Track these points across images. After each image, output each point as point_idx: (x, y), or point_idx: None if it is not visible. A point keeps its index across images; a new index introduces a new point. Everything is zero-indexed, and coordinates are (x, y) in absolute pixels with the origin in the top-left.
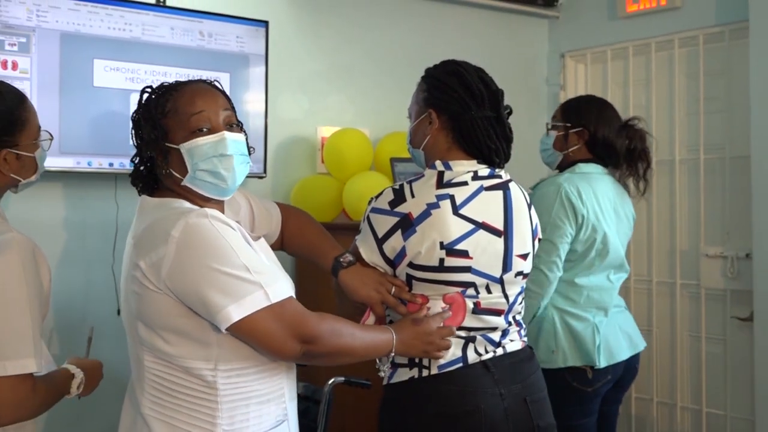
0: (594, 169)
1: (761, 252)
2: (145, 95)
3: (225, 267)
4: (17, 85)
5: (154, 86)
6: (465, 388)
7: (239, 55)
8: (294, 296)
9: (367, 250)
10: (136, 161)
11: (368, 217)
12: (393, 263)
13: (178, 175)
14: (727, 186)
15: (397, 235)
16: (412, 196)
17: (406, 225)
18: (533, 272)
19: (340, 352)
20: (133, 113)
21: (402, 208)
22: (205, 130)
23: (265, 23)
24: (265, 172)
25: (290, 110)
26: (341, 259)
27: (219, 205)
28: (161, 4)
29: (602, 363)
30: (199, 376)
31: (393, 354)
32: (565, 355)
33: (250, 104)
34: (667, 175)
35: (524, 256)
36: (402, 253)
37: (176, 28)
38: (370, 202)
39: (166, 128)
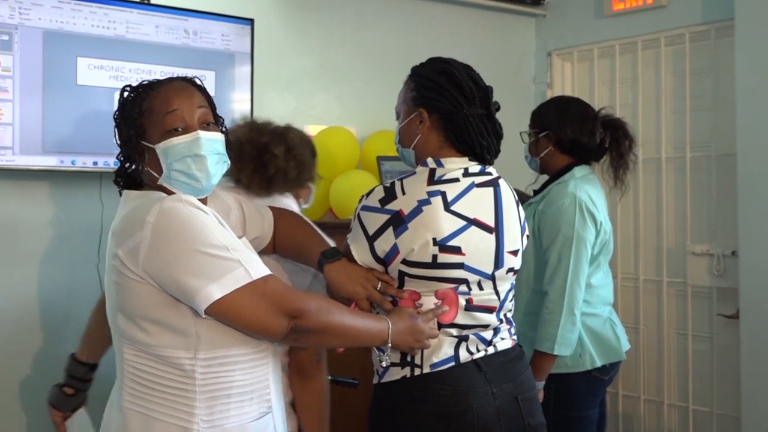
0: (586, 172)
1: (747, 249)
2: (125, 94)
3: (202, 247)
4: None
5: (134, 85)
6: (457, 388)
7: (224, 53)
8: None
9: (359, 249)
10: (121, 159)
11: (359, 215)
12: (384, 261)
13: (155, 174)
14: (713, 184)
15: (389, 232)
16: (403, 193)
17: (398, 222)
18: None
19: (329, 329)
20: (115, 112)
21: (393, 206)
22: (179, 129)
23: (250, 21)
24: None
25: (276, 109)
26: (327, 254)
27: (201, 201)
28: (146, 2)
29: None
30: (178, 365)
31: (390, 345)
32: (592, 358)
33: (236, 103)
34: (653, 173)
35: (515, 253)
36: (394, 251)
37: (161, 26)
38: (360, 200)
39: (143, 128)
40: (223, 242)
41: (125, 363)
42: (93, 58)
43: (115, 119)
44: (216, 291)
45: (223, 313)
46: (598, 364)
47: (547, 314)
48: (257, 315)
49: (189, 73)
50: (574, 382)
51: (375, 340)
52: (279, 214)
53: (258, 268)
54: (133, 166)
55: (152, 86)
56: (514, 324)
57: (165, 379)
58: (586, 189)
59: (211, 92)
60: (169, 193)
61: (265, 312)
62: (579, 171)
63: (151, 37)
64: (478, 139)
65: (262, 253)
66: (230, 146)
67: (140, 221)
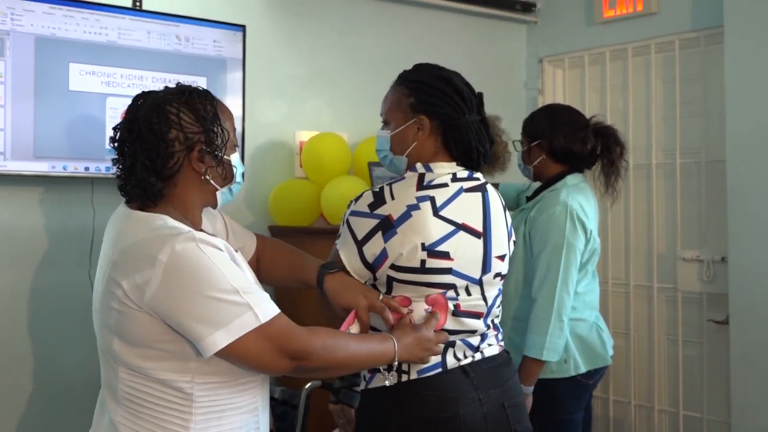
0: (578, 180)
1: (737, 255)
2: (202, 103)
3: (213, 292)
4: None
5: (196, 92)
6: (445, 394)
7: (216, 59)
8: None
9: (347, 254)
10: (145, 163)
11: (347, 220)
12: (372, 266)
13: (215, 185)
14: (703, 190)
15: (378, 237)
16: (392, 198)
17: (387, 227)
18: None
19: (334, 366)
20: (177, 118)
21: (382, 210)
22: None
23: (242, 27)
24: (242, 176)
25: (268, 114)
26: (327, 266)
27: (199, 217)
28: (137, 8)
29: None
30: (176, 387)
31: (396, 362)
32: (577, 364)
33: None
34: (644, 179)
35: (502, 257)
36: (383, 256)
37: (153, 32)
38: (349, 205)
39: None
40: (233, 285)
41: (120, 381)
42: (85, 63)
43: (184, 125)
44: (222, 338)
45: (228, 355)
46: (583, 369)
47: (536, 321)
48: (261, 358)
49: (181, 79)
50: (558, 387)
51: (382, 360)
52: (263, 241)
53: (266, 309)
54: (155, 174)
55: (212, 99)
56: (501, 330)
57: (162, 399)
58: (578, 197)
59: None
60: (174, 211)
61: (269, 355)
62: (571, 179)
63: (142, 43)
64: (476, 145)
65: None
66: None
67: (151, 258)
